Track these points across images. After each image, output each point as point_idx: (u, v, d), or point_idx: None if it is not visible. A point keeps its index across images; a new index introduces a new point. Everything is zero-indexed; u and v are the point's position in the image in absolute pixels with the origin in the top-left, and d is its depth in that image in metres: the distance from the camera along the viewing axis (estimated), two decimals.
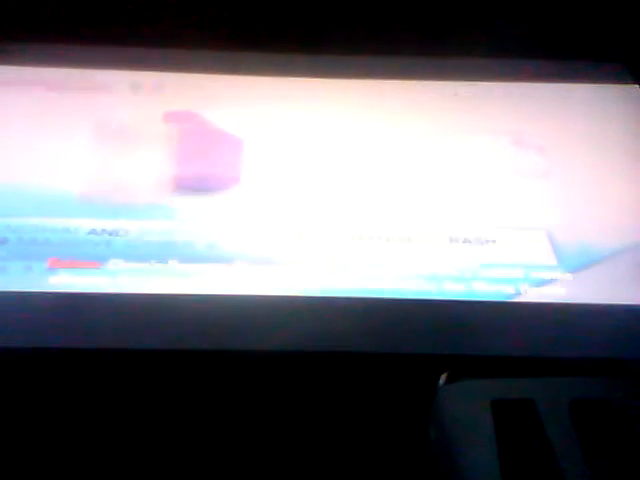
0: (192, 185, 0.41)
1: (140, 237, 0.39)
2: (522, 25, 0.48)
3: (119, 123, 0.43)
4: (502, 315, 0.37)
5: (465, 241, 0.40)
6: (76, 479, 0.36)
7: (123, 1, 0.48)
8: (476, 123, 0.45)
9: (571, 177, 0.43)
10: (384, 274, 0.38)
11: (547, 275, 0.38)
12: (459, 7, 0.49)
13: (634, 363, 0.35)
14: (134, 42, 0.46)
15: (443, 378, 0.32)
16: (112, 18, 0.48)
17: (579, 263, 0.39)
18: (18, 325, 0.36)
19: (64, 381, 0.36)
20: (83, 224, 0.39)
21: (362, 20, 0.49)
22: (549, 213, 0.41)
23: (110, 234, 0.39)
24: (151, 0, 0.48)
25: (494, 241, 0.40)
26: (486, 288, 0.38)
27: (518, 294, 0.38)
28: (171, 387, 0.36)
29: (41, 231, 0.39)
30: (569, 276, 0.38)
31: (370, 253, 0.39)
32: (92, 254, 0.38)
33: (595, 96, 0.46)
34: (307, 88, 0.46)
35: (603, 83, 0.47)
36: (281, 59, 0.47)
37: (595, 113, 0.45)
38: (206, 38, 0.47)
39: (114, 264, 0.38)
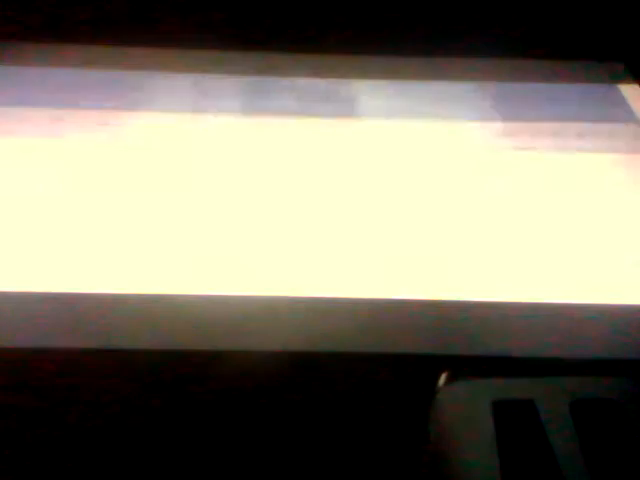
0: None
1: None
2: (522, 25, 0.48)
3: None
4: (502, 315, 0.37)
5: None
6: (75, 478, 0.36)
7: (123, 1, 0.48)
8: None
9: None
10: (384, 275, 0.38)
11: None
12: (459, 8, 0.49)
13: (634, 363, 0.35)
14: (134, 42, 0.46)
15: (443, 378, 0.32)
16: (112, 18, 0.48)
17: None
18: (18, 325, 0.36)
19: (64, 381, 0.36)
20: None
21: (362, 20, 0.49)
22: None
23: None
24: (151, 0, 0.48)
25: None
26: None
27: None
28: (171, 387, 0.36)
29: (41, 230, 0.39)
30: None
31: (370, 254, 0.39)
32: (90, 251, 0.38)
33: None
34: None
35: (603, 83, 0.47)
36: (281, 59, 0.47)
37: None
38: (206, 38, 0.47)
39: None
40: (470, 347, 0.36)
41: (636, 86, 0.47)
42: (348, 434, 0.36)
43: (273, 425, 0.36)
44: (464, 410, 0.30)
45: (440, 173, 0.43)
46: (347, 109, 0.45)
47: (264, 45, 0.47)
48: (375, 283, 0.38)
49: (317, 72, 0.47)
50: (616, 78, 0.47)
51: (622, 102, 0.46)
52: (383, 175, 0.42)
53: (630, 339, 0.36)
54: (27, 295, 0.37)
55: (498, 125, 0.45)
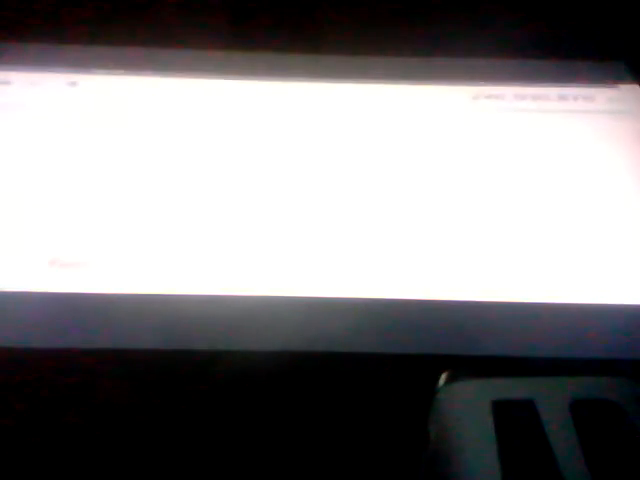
0: None
1: None
2: (522, 25, 0.48)
3: None
4: (502, 315, 0.37)
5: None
6: (75, 478, 0.36)
7: (123, 1, 0.48)
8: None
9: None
10: (384, 275, 0.38)
11: None
12: (459, 7, 0.49)
13: (634, 363, 0.35)
14: (133, 42, 0.46)
15: (443, 378, 0.32)
16: (111, 18, 0.48)
17: None
18: (18, 325, 0.36)
19: (64, 381, 0.36)
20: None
21: (362, 21, 0.49)
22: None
23: None
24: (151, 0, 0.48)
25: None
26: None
27: None
28: (171, 387, 0.36)
29: (41, 230, 0.39)
30: None
31: (369, 254, 0.39)
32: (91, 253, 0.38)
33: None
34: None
35: (603, 83, 0.47)
36: (282, 59, 0.47)
37: None
38: (206, 38, 0.47)
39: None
40: (470, 347, 0.36)
41: (636, 86, 0.47)
42: (348, 434, 0.36)
43: (273, 425, 0.36)
44: (464, 410, 0.30)
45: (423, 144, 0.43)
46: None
47: (264, 45, 0.47)
48: (375, 282, 0.38)
49: (317, 72, 0.47)
50: (616, 78, 0.47)
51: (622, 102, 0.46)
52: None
53: (630, 339, 0.36)
54: (27, 295, 0.37)
55: None
